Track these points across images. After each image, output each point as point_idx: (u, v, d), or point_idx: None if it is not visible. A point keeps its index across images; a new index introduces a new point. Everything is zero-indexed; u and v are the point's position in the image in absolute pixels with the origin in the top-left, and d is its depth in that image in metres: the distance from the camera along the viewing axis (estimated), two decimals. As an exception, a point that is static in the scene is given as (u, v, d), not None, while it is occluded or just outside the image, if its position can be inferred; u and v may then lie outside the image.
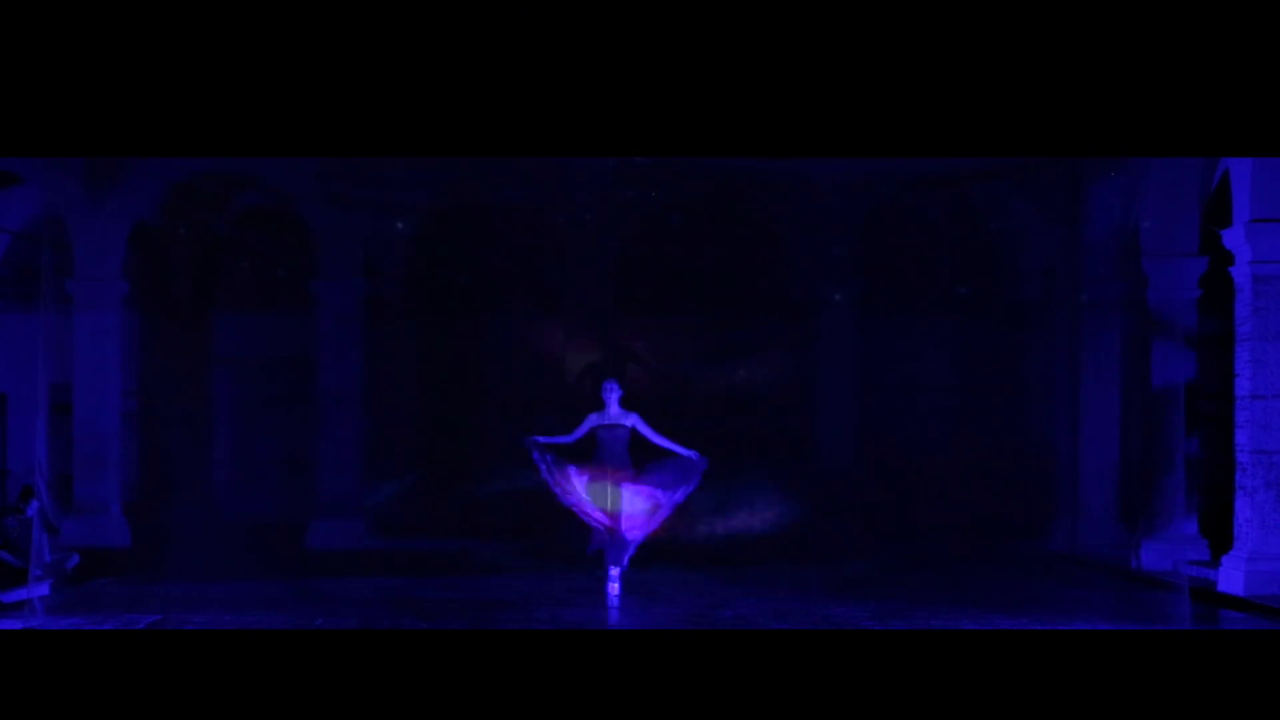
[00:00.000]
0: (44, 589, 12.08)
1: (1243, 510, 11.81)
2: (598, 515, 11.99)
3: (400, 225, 17.23)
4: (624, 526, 11.97)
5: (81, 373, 15.92)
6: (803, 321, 17.51)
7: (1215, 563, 12.64)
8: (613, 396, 12.17)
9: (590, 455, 12.20)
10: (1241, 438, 11.89)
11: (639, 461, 12.13)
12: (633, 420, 12.09)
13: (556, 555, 13.99)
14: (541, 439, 12.16)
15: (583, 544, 12.31)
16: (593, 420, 12.14)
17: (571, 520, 12.36)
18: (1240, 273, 11.92)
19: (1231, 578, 11.80)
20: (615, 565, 11.88)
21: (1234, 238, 11.91)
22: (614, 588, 11.85)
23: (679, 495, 12.05)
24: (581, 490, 12.04)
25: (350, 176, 15.92)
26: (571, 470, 12.06)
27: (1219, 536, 13.33)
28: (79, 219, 15.87)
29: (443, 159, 14.90)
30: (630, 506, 11.98)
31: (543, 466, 12.05)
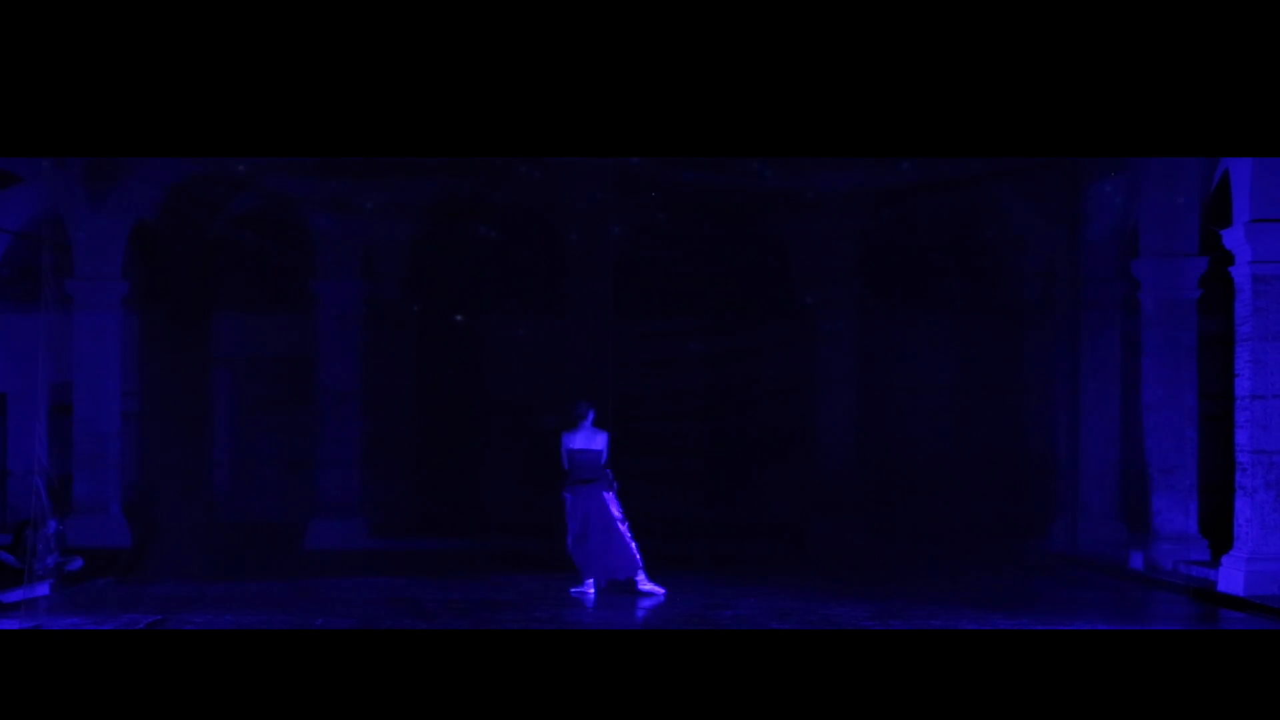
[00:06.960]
0: (44, 589, 12.10)
1: (1243, 510, 11.81)
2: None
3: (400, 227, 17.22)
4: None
5: (81, 373, 15.92)
6: (803, 322, 17.51)
7: (1215, 563, 12.64)
8: (586, 419, 12.44)
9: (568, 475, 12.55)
10: (1241, 438, 11.89)
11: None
12: (601, 441, 12.41)
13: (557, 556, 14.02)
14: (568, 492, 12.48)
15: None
16: (567, 441, 12.44)
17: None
18: (1240, 273, 11.91)
19: (1231, 578, 11.80)
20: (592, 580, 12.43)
21: (1234, 238, 11.91)
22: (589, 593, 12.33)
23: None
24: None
25: (350, 175, 15.92)
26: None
27: (1219, 536, 13.32)
28: (79, 219, 15.86)
29: (440, 160, 14.92)
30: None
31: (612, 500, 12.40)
